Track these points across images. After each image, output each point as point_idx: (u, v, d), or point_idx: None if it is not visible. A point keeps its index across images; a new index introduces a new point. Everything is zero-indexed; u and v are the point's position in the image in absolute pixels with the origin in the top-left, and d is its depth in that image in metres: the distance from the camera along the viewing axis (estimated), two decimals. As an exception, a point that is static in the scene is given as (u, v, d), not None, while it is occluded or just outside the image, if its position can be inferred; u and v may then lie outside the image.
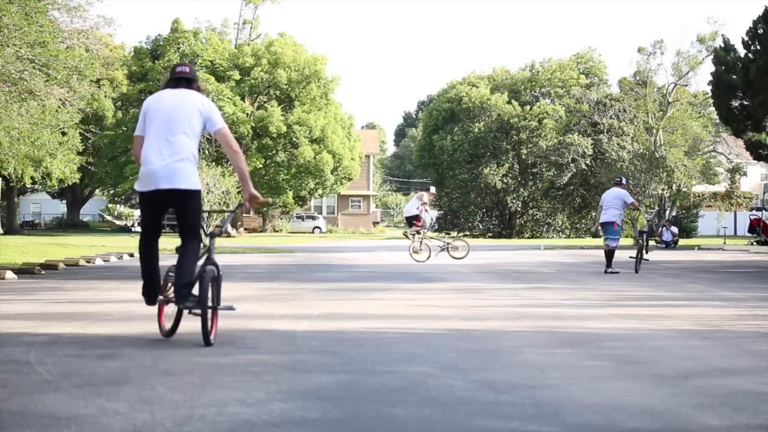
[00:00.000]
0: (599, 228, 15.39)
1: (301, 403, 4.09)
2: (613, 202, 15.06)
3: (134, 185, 6.29)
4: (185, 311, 5.88)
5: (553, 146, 46.17)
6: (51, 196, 61.01)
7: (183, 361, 5.24)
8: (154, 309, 6.25)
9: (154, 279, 6.03)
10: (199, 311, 5.67)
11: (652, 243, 33.97)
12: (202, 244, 5.95)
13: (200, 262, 5.82)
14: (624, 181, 17.02)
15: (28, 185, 46.91)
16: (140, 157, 5.97)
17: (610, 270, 14.56)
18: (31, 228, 53.87)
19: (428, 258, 18.30)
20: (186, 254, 5.81)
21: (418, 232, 18.60)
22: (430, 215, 19.01)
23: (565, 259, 21.20)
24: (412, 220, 18.93)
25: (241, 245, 31.78)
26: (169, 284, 6.01)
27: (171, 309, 6.10)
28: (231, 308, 5.99)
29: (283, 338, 6.37)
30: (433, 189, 20.03)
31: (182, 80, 6.13)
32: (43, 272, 14.39)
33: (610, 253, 14.84)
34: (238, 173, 5.92)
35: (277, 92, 47.72)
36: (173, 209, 5.89)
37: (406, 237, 19.88)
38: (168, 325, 6.11)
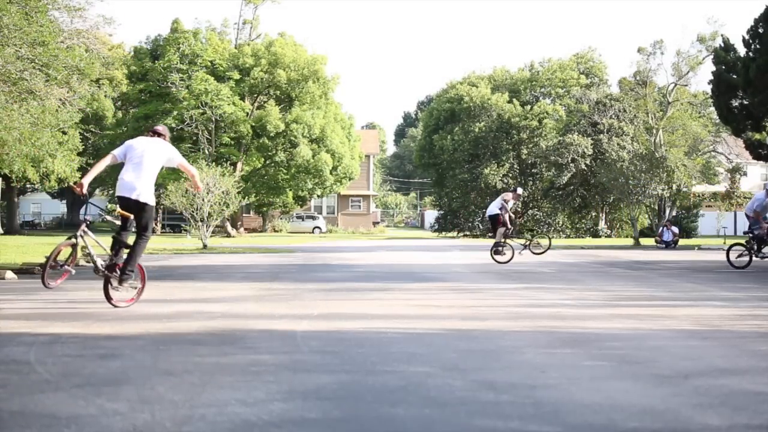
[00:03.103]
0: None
1: (301, 403, 4.09)
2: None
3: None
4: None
5: (553, 146, 46.16)
6: (51, 196, 61.04)
7: (183, 361, 5.24)
8: (154, 309, 6.32)
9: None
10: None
11: (651, 243, 34.01)
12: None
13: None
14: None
15: (29, 185, 46.94)
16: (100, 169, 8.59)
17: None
18: (31, 228, 53.89)
19: (511, 258, 17.95)
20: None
21: (506, 234, 18.25)
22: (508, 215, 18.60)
23: (565, 259, 21.20)
24: (494, 221, 18.50)
25: (241, 245, 31.77)
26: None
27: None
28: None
29: (283, 338, 6.37)
30: (519, 190, 19.65)
31: (156, 134, 8.77)
32: (43, 272, 14.36)
33: None
34: (192, 174, 9.03)
35: (277, 92, 47.71)
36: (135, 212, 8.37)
37: (492, 238, 19.69)
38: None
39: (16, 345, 5.88)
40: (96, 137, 46.85)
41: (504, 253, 18.04)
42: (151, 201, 8.35)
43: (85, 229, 8.63)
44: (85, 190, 8.52)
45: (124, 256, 8.47)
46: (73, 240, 8.56)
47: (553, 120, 49.24)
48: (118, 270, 8.35)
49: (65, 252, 8.59)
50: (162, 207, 49.66)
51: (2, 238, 32.91)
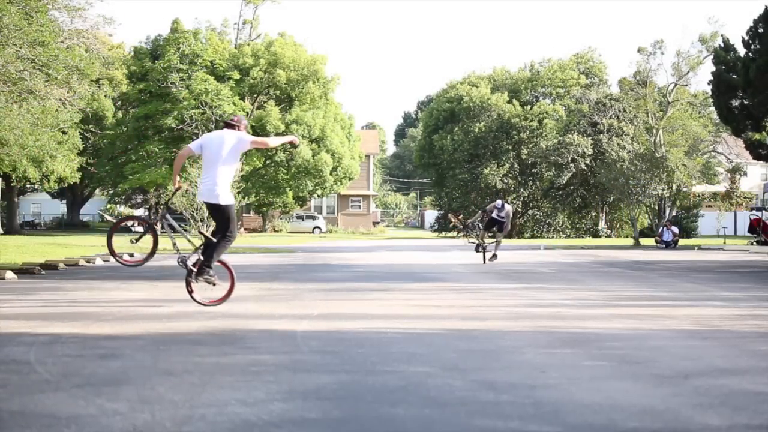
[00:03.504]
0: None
1: (301, 403, 4.09)
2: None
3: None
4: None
5: (553, 146, 46.14)
6: (51, 196, 61.02)
7: (183, 361, 5.25)
8: (154, 309, 6.32)
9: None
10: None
11: (652, 243, 33.99)
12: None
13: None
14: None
15: (29, 185, 46.93)
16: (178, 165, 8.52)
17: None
18: (31, 228, 53.87)
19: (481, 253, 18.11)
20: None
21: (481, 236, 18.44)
22: None
23: (565, 259, 21.20)
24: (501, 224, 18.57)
25: (241, 245, 31.74)
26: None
27: None
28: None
29: (283, 338, 6.37)
30: (498, 203, 19.22)
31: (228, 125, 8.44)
32: (43, 272, 14.38)
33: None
34: (273, 144, 8.83)
35: (277, 92, 47.71)
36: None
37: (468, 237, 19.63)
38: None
39: (16, 345, 5.88)
40: (96, 137, 46.82)
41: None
42: (227, 200, 8.13)
43: (170, 219, 8.62)
44: (175, 185, 8.48)
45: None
46: (140, 217, 8.76)
47: (553, 120, 49.22)
48: (198, 266, 8.25)
49: (147, 240, 8.57)
50: (161, 207, 49.74)
51: (2, 238, 32.89)
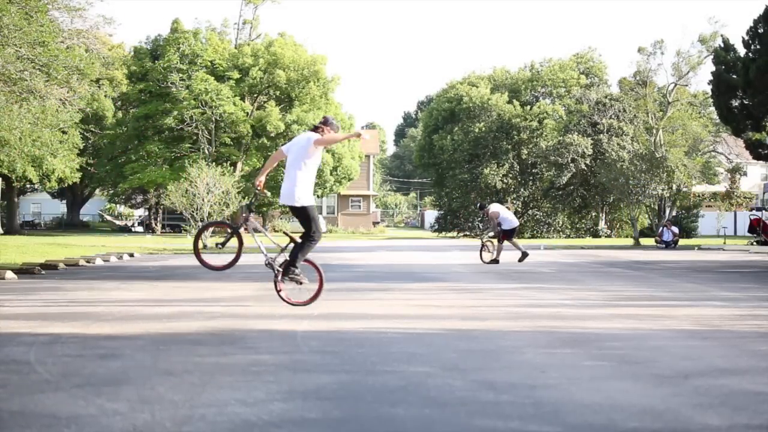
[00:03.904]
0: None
1: (301, 403, 4.09)
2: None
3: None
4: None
5: (553, 146, 46.12)
6: (51, 196, 61.04)
7: (183, 361, 5.25)
8: (154, 309, 6.32)
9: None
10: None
11: (651, 243, 33.98)
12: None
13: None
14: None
15: (28, 185, 46.91)
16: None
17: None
18: (31, 228, 53.87)
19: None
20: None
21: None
22: None
23: (565, 259, 21.20)
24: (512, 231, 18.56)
25: (241, 245, 31.66)
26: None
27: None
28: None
29: (283, 338, 6.37)
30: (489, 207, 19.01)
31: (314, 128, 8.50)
32: (43, 272, 14.39)
33: None
34: (339, 139, 8.68)
35: (277, 92, 47.70)
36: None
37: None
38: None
39: (16, 345, 5.88)
40: (96, 137, 46.84)
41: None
42: (306, 202, 8.21)
43: (253, 222, 8.69)
44: (262, 186, 8.71)
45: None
46: (228, 224, 9.02)
47: (554, 120, 49.20)
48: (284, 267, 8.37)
49: (232, 241, 8.71)
50: (161, 207, 49.81)
51: (2, 238, 32.89)
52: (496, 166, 48.15)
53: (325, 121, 8.45)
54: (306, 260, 8.41)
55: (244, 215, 8.66)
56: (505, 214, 18.24)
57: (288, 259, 8.36)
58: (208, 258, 8.74)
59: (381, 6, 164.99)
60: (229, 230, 8.80)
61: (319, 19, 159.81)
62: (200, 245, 8.89)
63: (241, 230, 8.77)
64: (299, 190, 8.18)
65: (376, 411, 3.93)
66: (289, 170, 8.27)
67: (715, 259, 21.37)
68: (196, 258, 8.78)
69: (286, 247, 8.52)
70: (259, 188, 8.69)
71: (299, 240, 8.38)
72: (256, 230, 8.71)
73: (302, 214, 8.26)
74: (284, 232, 8.95)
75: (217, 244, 8.86)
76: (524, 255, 17.62)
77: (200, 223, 8.02)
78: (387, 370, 4.96)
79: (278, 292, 8.39)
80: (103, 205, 67.76)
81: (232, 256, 8.79)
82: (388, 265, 17.45)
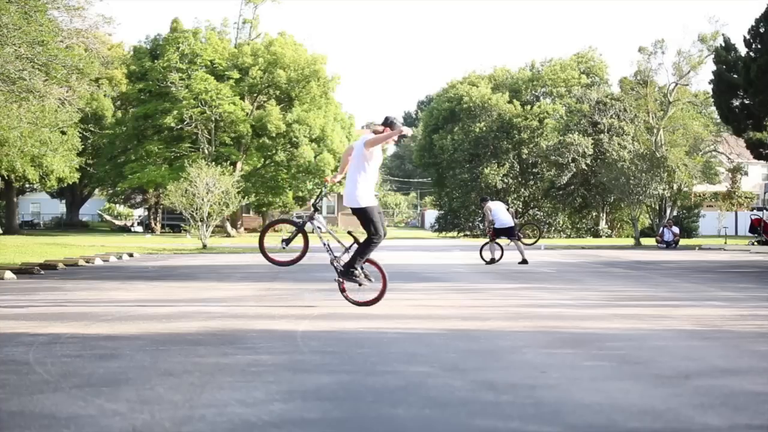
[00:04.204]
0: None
1: (301, 403, 4.08)
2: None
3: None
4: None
5: (553, 146, 46.12)
6: (50, 196, 60.99)
7: (183, 361, 5.24)
8: (154, 309, 6.32)
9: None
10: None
11: (652, 242, 33.99)
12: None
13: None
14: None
15: (28, 185, 46.91)
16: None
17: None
18: (30, 228, 53.88)
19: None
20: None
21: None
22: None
23: (565, 259, 21.19)
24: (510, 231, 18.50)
25: (241, 245, 31.81)
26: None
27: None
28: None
29: (283, 338, 6.36)
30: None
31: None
32: (42, 272, 14.38)
33: None
34: (384, 138, 8.30)
35: (277, 92, 47.70)
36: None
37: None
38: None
39: (15, 345, 5.87)
40: (95, 137, 46.82)
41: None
42: (364, 203, 8.27)
43: (318, 219, 8.80)
44: (335, 179, 9.04)
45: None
46: (293, 220, 9.15)
47: (554, 120, 49.20)
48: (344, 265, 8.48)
49: (298, 239, 8.84)
50: (161, 207, 49.80)
51: (1, 237, 32.90)
52: (497, 165, 48.16)
53: (385, 121, 8.48)
54: (369, 261, 8.47)
55: (309, 214, 8.74)
56: (499, 212, 18.20)
57: (349, 259, 8.46)
58: (274, 255, 8.90)
59: (381, 6, 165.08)
60: (295, 227, 8.92)
61: (319, 18, 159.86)
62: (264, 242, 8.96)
63: (306, 228, 8.81)
64: (360, 191, 8.26)
65: (376, 411, 3.93)
66: (351, 172, 8.37)
67: (715, 259, 21.37)
68: (261, 254, 8.90)
69: (350, 246, 8.56)
70: (327, 183, 8.94)
71: (362, 241, 8.46)
72: (320, 228, 8.74)
73: (362, 216, 8.35)
74: (348, 232, 9.05)
75: (282, 241, 8.88)
76: (524, 262, 17.56)
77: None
78: (387, 371, 4.95)
79: (341, 291, 8.46)
80: (102, 204, 67.73)
81: (296, 254, 8.90)
82: (388, 265, 17.34)
